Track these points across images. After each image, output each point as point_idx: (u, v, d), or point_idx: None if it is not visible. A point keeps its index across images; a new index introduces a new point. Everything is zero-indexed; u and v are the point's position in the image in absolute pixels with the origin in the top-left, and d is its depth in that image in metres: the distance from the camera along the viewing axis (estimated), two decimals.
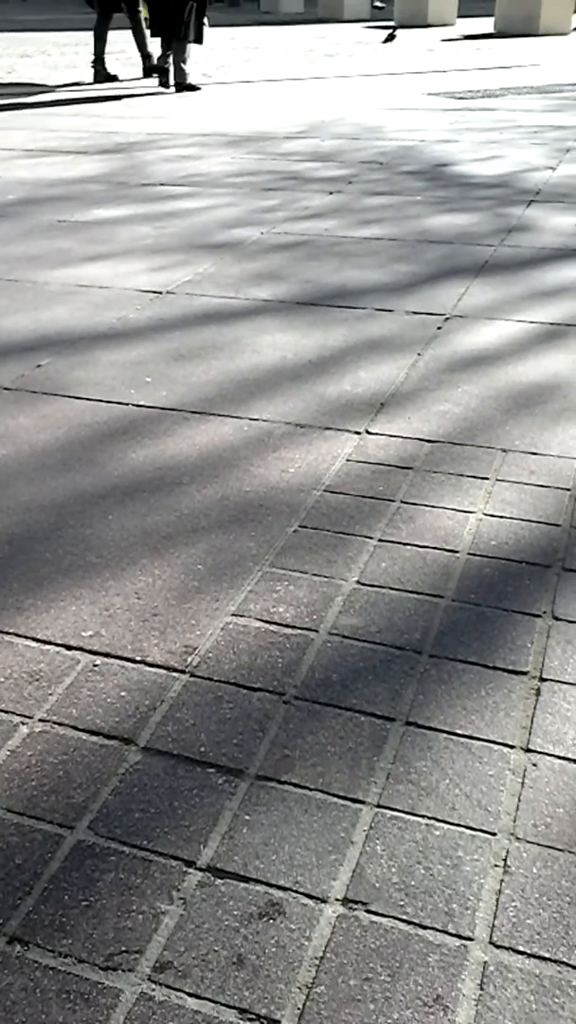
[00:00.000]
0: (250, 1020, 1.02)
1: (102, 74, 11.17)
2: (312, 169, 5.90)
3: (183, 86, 10.26)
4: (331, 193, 5.20)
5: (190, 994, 1.04)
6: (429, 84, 10.92)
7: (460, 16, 24.26)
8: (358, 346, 2.97)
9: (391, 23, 22.22)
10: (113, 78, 11.33)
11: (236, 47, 13.41)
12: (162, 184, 5.50)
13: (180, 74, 10.19)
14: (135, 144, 6.95)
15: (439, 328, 3.12)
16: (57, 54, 15.38)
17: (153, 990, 1.05)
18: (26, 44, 17.45)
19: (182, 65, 10.12)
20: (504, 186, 5.30)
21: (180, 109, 8.93)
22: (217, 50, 15.48)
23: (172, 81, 10.32)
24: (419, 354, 2.90)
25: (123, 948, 1.09)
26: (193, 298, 3.47)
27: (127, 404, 2.57)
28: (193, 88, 10.35)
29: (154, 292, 3.55)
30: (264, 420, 2.46)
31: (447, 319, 3.21)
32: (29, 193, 5.33)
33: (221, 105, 9.26)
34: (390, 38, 16.04)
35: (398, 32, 17.26)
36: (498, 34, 18.62)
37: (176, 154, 6.49)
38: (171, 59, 10.19)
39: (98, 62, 11.08)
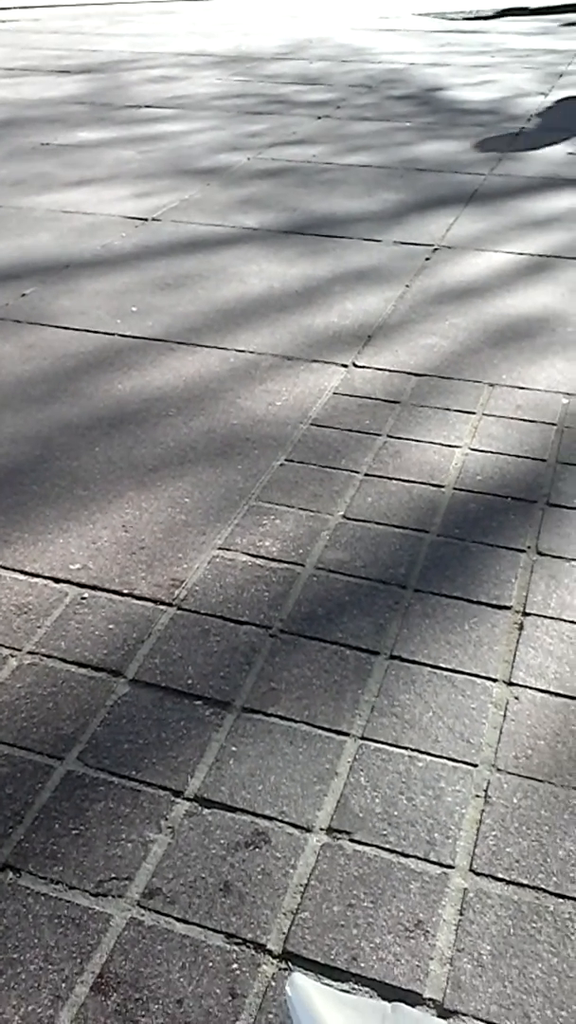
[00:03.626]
0: (237, 944, 1.05)
1: None
2: (299, 92, 5.78)
3: None
4: (319, 118, 5.10)
5: (178, 919, 1.07)
6: (417, 3, 10.66)
7: None
8: (345, 277, 2.95)
9: None
10: None
11: None
12: (147, 106, 5.38)
13: None
14: (119, 63, 6.78)
15: (427, 259, 3.09)
16: None
17: (142, 915, 1.07)
18: None
19: None
20: (495, 112, 5.21)
21: (164, 27, 8.71)
22: None
23: None
24: (407, 285, 2.88)
25: (113, 875, 1.12)
26: (179, 225, 3.42)
27: (113, 334, 2.55)
28: None
29: (139, 219, 3.50)
30: (251, 351, 2.45)
31: (435, 250, 3.17)
32: (10, 114, 5.21)
33: (207, 23, 9.03)
34: None
35: None
36: None
37: (161, 75, 6.35)
38: None
39: None
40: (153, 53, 7.22)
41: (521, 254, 3.13)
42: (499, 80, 6.12)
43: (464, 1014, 0.98)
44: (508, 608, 1.55)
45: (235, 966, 1.03)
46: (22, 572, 1.63)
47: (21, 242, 3.25)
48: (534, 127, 4.85)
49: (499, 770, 1.26)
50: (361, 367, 2.36)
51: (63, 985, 1.00)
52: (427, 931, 1.06)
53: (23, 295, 2.81)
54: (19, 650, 1.46)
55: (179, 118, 5.08)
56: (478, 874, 1.13)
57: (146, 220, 3.48)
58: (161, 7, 10.36)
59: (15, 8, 10.19)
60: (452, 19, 9.33)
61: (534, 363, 2.38)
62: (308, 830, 1.18)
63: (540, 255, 3.12)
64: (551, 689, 1.39)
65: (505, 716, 1.35)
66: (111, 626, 1.51)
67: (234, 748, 1.29)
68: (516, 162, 4.23)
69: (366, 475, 1.91)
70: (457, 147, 4.49)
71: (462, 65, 6.67)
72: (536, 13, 9.74)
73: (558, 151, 4.40)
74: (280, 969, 1.02)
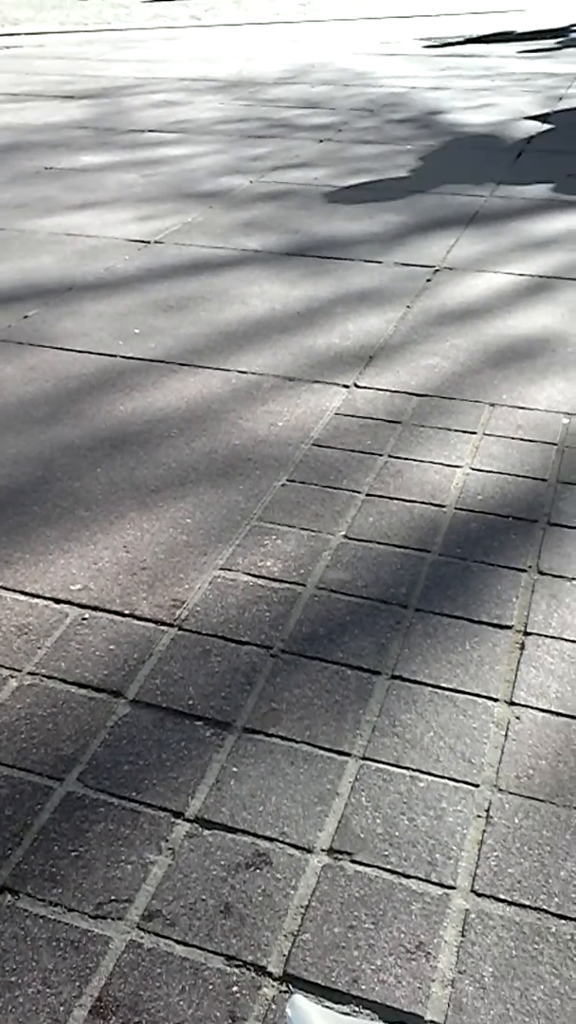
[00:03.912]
0: (237, 967, 1.04)
1: None
2: (301, 116, 5.82)
3: None
4: (321, 141, 5.13)
5: (178, 942, 1.07)
6: (419, 29, 10.75)
7: None
8: (347, 298, 2.96)
9: None
10: None
11: None
12: (150, 130, 5.42)
13: None
14: (122, 89, 6.84)
15: (428, 280, 3.10)
16: None
17: (142, 938, 1.07)
18: None
19: None
20: (495, 135, 5.24)
21: (167, 53, 8.78)
22: None
23: None
24: (408, 307, 2.89)
25: (112, 897, 1.11)
26: (181, 248, 3.44)
27: (115, 356, 2.56)
28: None
29: (142, 241, 3.51)
30: (252, 373, 2.45)
31: (436, 271, 3.19)
32: (15, 139, 5.25)
33: (209, 49, 9.11)
34: None
35: None
36: None
37: (164, 99, 6.40)
38: None
39: None
40: (156, 78, 7.28)
41: (522, 275, 3.14)
42: (499, 103, 6.16)
43: None
44: (509, 627, 1.55)
45: (235, 989, 1.02)
46: (23, 593, 1.63)
47: (24, 265, 3.27)
48: (534, 149, 4.88)
49: (501, 790, 1.26)
50: (363, 388, 2.37)
51: (61, 1009, 0.99)
52: (428, 953, 1.05)
53: (25, 317, 2.82)
54: (19, 671, 1.45)
55: (182, 142, 5.11)
56: (480, 895, 1.12)
57: (149, 243, 3.50)
58: (165, 33, 10.45)
59: (21, 35, 10.29)
60: (452, 43, 9.39)
61: (534, 383, 2.38)
62: (309, 851, 1.17)
63: (540, 276, 3.13)
64: (553, 709, 1.39)
65: (507, 736, 1.34)
66: (112, 647, 1.51)
67: (235, 769, 1.29)
68: (516, 184, 4.25)
69: (367, 495, 1.91)
70: (458, 169, 4.51)
71: (463, 89, 6.71)
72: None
73: (558, 173, 4.42)
74: (280, 991, 1.01)
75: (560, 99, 6.27)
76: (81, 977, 1.02)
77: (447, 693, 1.42)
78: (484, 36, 10.00)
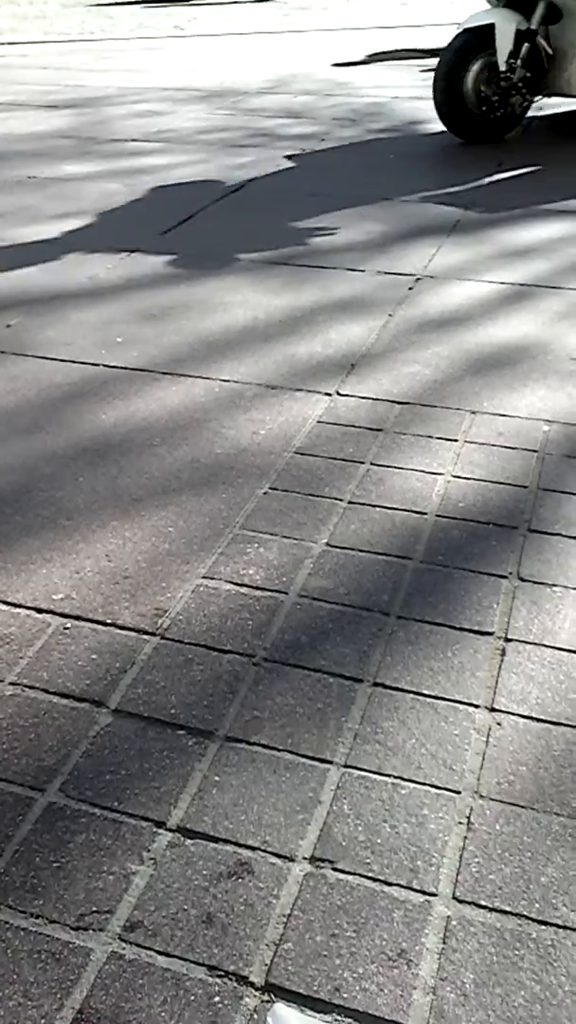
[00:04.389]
0: (219, 977, 1.04)
1: None
2: (284, 125, 5.83)
3: None
4: (303, 151, 5.14)
5: (160, 952, 1.06)
6: (401, 39, 10.79)
7: None
8: (329, 306, 2.96)
9: None
10: None
11: None
12: (133, 140, 5.42)
13: None
14: (105, 98, 6.84)
15: (410, 288, 3.12)
16: (26, 3, 15.08)
17: (123, 949, 1.07)
18: None
19: None
20: (476, 145, 5.26)
21: (150, 63, 8.79)
22: (191, 0, 15.21)
23: None
24: (390, 315, 2.90)
25: (94, 908, 1.11)
26: (164, 257, 3.44)
27: (98, 364, 2.56)
28: None
29: (125, 250, 3.51)
30: (235, 381, 2.46)
31: (418, 279, 3.20)
32: None
33: (193, 59, 9.12)
34: None
35: None
36: None
37: (147, 109, 6.40)
38: None
39: None
40: (139, 88, 7.28)
41: (503, 283, 3.16)
42: None
43: None
44: (490, 634, 1.56)
45: (217, 999, 1.02)
46: (4, 602, 1.63)
47: (6, 273, 3.26)
48: (515, 158, 4.90)
49: (482, 797, 1.26)
50: (345, 395, 2.38)
51: (43, 1021, 0.99)
52: (410, 960, 1.06)
53: (8, 326, 2.81)
54: (1, 681, 1.45)
55: (165, 151, 5.12)
56: (461, 902, 1.12)
57: (131, 252, 3.50)
58: (147, 43, 10.45)
59: (3, 44, 10.28)
60: (434, 54, 9.43)
61: (515, 391, 2.39)
62: (291, 860, 1.17)
63: (522, 284, 3.14)
64: (533, 715, 1.39)
65: (488, 742, 1.34)
66: (94, 656, 1.50)
67: (217, 778, 1.29)
68: (497, 193, 4.27)
69: (349, 503, 1.92)
70: (439, 178, 4.53)
71: None
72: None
73: (538, 182, 4.45)
74: (263, 1001, 1.01)
75: (540, 108, 6.30)
76: (62, 989, 1.02)
77: (429, 700, 1.42)
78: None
